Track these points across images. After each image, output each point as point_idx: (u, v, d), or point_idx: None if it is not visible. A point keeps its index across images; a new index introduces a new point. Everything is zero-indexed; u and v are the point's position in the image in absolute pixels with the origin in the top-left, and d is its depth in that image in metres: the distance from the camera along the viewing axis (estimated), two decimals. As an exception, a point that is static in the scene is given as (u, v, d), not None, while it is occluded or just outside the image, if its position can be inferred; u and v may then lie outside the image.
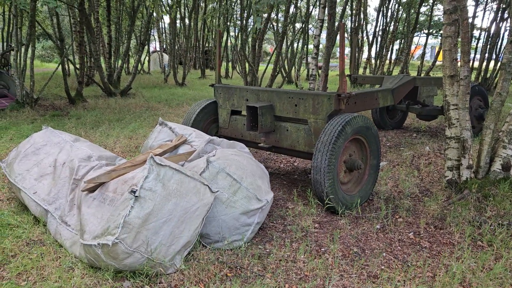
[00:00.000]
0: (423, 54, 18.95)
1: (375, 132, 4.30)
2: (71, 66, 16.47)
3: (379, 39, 20.58)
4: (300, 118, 4.46)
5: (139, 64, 22.66)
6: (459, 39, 4.32)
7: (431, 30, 22.59)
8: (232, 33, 22.56)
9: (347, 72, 20.02)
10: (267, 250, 3.27)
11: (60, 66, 10.46)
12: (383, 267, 3.04)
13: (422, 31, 24.82)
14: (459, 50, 4.29)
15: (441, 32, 24.79)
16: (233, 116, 5.09)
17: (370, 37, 21.56)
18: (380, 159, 4.45)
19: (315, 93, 4.29)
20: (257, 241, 3.42)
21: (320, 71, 12.11)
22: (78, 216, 3.15)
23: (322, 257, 3.16)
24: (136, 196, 2.59)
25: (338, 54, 43.15)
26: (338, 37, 12.79)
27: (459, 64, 4.29)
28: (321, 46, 10.44)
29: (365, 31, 21.90)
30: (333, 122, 3.97)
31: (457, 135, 4.29)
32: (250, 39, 14.35)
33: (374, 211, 4.09)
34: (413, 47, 24.00)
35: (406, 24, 19.11)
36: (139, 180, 2.67)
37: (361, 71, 22.04)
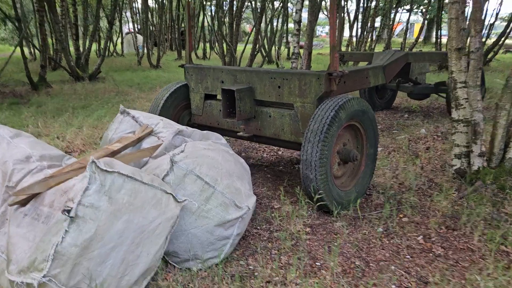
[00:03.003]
0: (406, 30, 18.41)
1: (371, 117, 3.70)
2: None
3: (359, 16, 19.96)
4: (284, 102, 3.82)
5: (112, 46, 21.59)
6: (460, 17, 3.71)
7: (413, 6, 22.10)
8: (208, 13, 21.61)
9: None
10: (251, 267, 2.66)
11: (19, 49, 9.54)
12: (393, 286, 2.47)
13: (403, 8, 24.34)
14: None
15: (422, 8, 24.20)
16: (207, 101, 4.41)
17: (352, 15, 20.88)
18: (377, 147, 3.87)
19: (301, 72, 3.65)
20: (238, 255, 2.81)
21: (301, 49, 11.44)
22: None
23: (318, 275, 2.57)
24: (72, 217, 1.93)
25: (318, 33, 42.42)
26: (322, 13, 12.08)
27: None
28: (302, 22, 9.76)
29: (345, 8, 21.20)
30: (324, 107, 3.34)
31: (465, 117, 3.71)
32: (227, 18, 13.54)
33: (374, 209, 3.51)
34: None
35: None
36: (77, 194, 2.01)
37: (343, 49, 21.41)
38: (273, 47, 17.96)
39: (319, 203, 3.26)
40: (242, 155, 5.14)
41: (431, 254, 2.83)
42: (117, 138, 3.65)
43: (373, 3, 18.85)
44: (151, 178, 2.31)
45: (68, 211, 1.92)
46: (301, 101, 3.64)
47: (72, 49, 13.57)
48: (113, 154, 3.22)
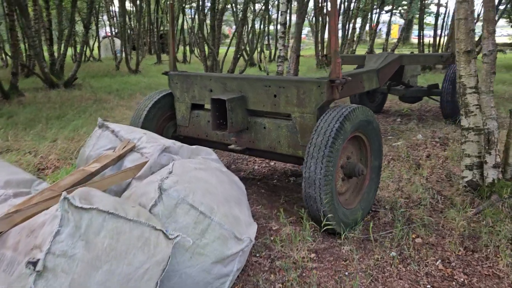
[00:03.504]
0: (388, 31, 18.36)
1: (376, 126, 3.40)
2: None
3: (340, 18, 19.85)
4: (281, 112, 3.49)
5: (88, 51, 20.92)
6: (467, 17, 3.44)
7: (394, 7, 22.14)
8: (188, 16, 21.17)
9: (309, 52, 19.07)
10: (253, 308, 2.31)
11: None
12: (421, 328, 2.15)
13: (383, 9, 24.42)
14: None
15: (400, 9, 24.31)
16: (194, 111, 4.04)
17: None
18: (382, 158, 3.57)
19: (300, 79, 3.32)
20: (238, 291, 2.45)
21: (287, 52, 11.14)
22: (-35, 284, 2.06)
23: (332, 315, 2.24)
24: (38, 271, 1.54)
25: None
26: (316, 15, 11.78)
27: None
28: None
29: (325, 10, 21.05)
30: (327, 118, 3.02)
31: (477, 125, 3.44)
32: (208, 20, 13.16)
33: (383, 228, 3.20)
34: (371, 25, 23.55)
35: (370, 1, 18.37)
36: (45, 240, 1.62)
37: (324, 51, 21.25)
38: (256, 50, 17.67)
39: (325, 226, 2.93)
40: (232, 167, 4.78)
41: (454, 283, 2.53)
42: (95, 156, 3.26)
43: (355, 4, 18.73)
44: (136, 212, 1.94)
45: (34, 264, 1.54)
46: (300, 111, 3.31)
47: (46, 54, 12.97)
48: (91, 176, 2.84)
